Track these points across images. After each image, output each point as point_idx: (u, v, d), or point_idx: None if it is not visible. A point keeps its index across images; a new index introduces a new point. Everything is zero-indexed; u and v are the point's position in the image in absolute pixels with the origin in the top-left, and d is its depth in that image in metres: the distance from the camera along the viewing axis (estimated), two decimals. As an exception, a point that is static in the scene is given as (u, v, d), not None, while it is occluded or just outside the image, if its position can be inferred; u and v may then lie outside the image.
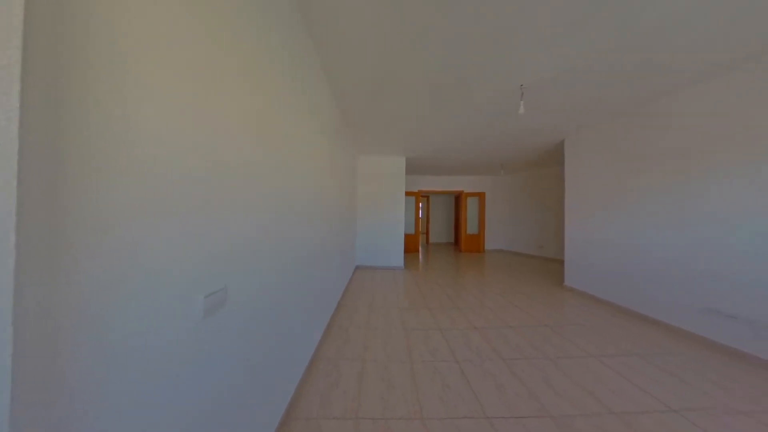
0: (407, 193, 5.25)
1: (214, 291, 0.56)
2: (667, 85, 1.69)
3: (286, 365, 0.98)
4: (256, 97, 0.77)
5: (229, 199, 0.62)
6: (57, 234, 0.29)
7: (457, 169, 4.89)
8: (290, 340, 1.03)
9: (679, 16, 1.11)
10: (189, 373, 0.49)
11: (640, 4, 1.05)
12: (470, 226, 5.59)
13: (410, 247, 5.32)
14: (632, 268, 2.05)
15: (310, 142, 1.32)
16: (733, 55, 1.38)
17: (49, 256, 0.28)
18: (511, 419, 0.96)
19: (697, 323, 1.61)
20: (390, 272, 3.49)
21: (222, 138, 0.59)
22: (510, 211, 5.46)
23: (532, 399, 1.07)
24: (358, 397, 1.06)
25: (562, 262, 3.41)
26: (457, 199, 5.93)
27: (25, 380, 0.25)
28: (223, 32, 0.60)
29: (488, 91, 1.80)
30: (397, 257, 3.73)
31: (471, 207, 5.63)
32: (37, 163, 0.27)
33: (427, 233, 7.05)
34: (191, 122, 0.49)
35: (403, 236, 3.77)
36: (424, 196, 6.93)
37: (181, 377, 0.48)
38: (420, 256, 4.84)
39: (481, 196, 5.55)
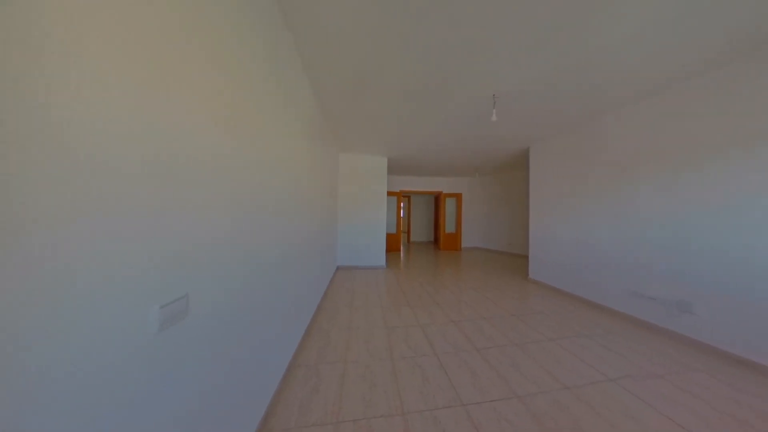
0: (389, 193, 5.30)
1: (173, 300, 0.50)
2: (606, 105, 2.00)
3: (259, 377, 0.92)
4: (227, 86, 0.70)
5: (193, 196, 0.56)
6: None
7: (437, 171, 5.10)
8: (264, 349, 0.97)
9: (615, 46, 1.32)
10: (141, 398, 0.44)
11: (586, 33, 1.22)
12: (448, 226, 5.87)
13: (392, 246, 5.39)
14: (580, 261, 2.37)
15: (287, 137, 1.25)
16: (654, 83, 1.68)
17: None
18: (484, 404, 1.04)
19: (628, 305, 1.93)
20: (372, 272, 3.49)
21: (183, 128, 0.53)
22: (484, 211, 5.87)
23: (502, 383, 1.17)
24: (339, 401, 1.05)
25: (527, 258, 3.78)
26: (437, 199, 6.19)
27: None
28: (183, 8, 0.54)
29: (464, 98, 1.91)
30: (379, 256, 3.75)
31: (449, 207, 5.91)
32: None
33: (408, 232, 7.21)
34: (141, 109, 0.43)
35: (385, 236, 3.80)
36: (406, 196, 7.09)
37: (134, 403, 0.42)
38: (401, 255, 4.93)
39: (458, 196, 5.87)
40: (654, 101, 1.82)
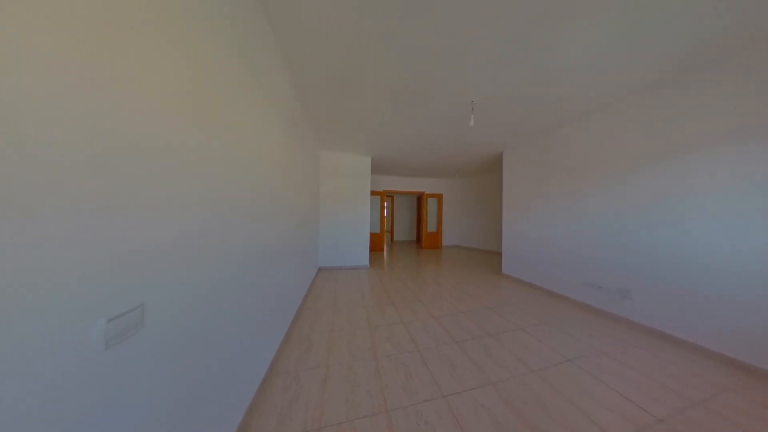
0: (373, 193, 5.29)
1: (124, 311, 0.44)
2: (565, 117, 2.25)
3: (231, 390, 0.85)
4: (192, 71, 0.64)
5: (150, 192, 0.50)
6: None
7: (419, 171, 5.23)
8: (237, 360, 0.90)
9: (570, 66, 1.49)
10: (83, 429, 0.37)
11: (547, 52, 1.35)
12: (430, 225, 6.06)
13: (375, 245, 5.39)
14: (544, 257, 2.63)
15: (264, 132, 1.18)
16: (600, 101, 1.94)
17: None
18: (463, 393, 1.09)
19: (582, 294, 2.20)
20: (355, 272, 3.45)
21: (135, 114, 0.47)
22: (463, 211, 6.19)
23: (478, 371, 1.24)
24: (321, 406, 1.02)
25: (501, 254, 4.07)
26: (419, 199, 6.35)
27: None
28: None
29: (444, 102, 1.99)
30: (363, 256, 3.72)
31: (431, 207, 6.11)
32: None
33: (392, 232, 7.27)
34: (71, 87, 0.37)
35: (368, 235, 3.78)
36: (389, 196, 7.14)
37: None
38: (385, 255, 4.96)
39: (439, 197, 6.09)
40: (600, 116, 2.09)
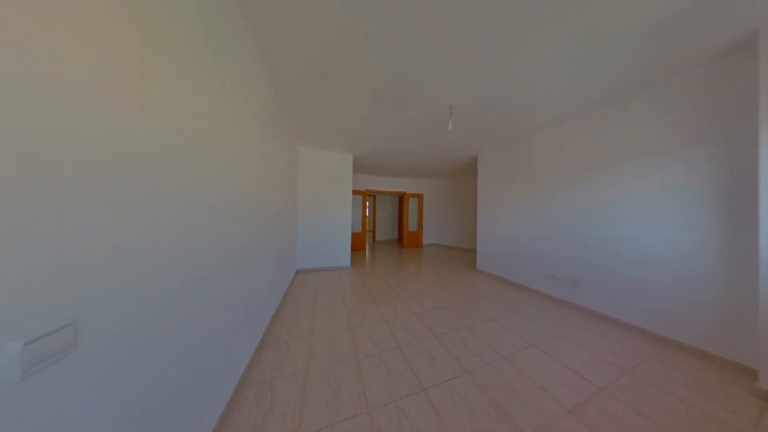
0: (355, 192, 5.23)
1: (50, 331, 0.37)
2: (531, 126, 2.50)
3: (193, 411, 0.78)
4: (146, 50, 0.56)
5: (82, 186, 0.43)
6: None
7: (401, 172, 5.32)
8: (200, 376, 0.82)
9: (533, 81, 1.66)
10: None
11: (515, 66, 1.49)
12: (411, 224, 6.22)
13: (357, 245, 5.34)
14: (513, 253, 2.90)
15: (234, 123, 1.09)
16: (558, 114, 2.20)
17: None
18: (442, 384, 1.15)
19: (543, 285, 2.48)
20: (336, 272, 3.38)
21: (59, 91, 0.40)
22: (442, 210, 6.46)
23: (455, 362, 1.32)
24: (299, 414, 0.98)
25: (476, 251, 4.35)
26: (401, 199, 6.46)
27: None
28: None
29: (424, 105, 2.06)
30: (344, 257, 3.66)
31: (412, 207, 6.27)
32: None
33: (373, 231, 7.28)
34: None
35: (350, 235, 3.73)
36: (371, 195, 7.13)
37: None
38: (367, 254, 4.95)
39: (419, 197, 6.28)
40: (557, 128, 2.37)
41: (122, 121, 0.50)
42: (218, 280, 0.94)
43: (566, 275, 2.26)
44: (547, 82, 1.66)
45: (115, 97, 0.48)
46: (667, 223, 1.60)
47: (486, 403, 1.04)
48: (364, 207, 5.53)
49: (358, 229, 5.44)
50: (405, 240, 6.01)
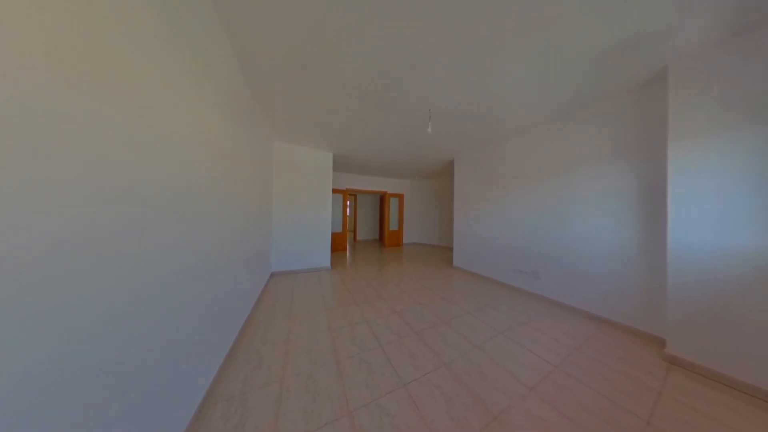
0: (335, 191, 5.10)
1: None
2: (502, 133, 2.72)
3: None
4: (84, 20, 0.47)
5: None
6: None
7: (382, 171, 5.34)
8: (154, 398, 0.73)
9: (504, 91, 1.81)
10: None
11: (489, 77, 1.61)
12: (392, 224, 6.30)
13: (338, 245, 5.23)
14: (485, 250, 3.15)
15: (196, 112, 0.97)
16: (525, 124, 2.43)
17: None
18: (421, 378, 1.20)
19: (511, 278, 2.74)
20: (315, 274, 3.27)
21: None
22: (421, 210, 6.68)
23: (433, 355, 1.39)
24: (275, 425, 0.93)
25: (452, 249, 4.60)
26: (382, 198, 6.49)
27: None
28: None
29: (405, 107, 2.10)
30: (324, 257, 3.55)
31: (393, 206, 6.35)
32: None
33: (354, 231, 7.19)
34: None
35: (330, 235, 3.63)
36: (352, 195, 7.02)
37: None
38: (348, 254, 4.87)
39: (400, 197, 6.39)
40: (524, 137, 2.63)
41: (52, 103, 0.41)
42: (178, 287, 0.84)
43: (528, 268, 2.53)
44: (515, 94, 1.83)
45: (42, 74, 0.39)
46: (605, 223, 1.89)
47: (461, 391, 1.12)
48: (345, 206, 5.42)
49: (339, 229, 5.32)
50: (386, 239, 6.07)
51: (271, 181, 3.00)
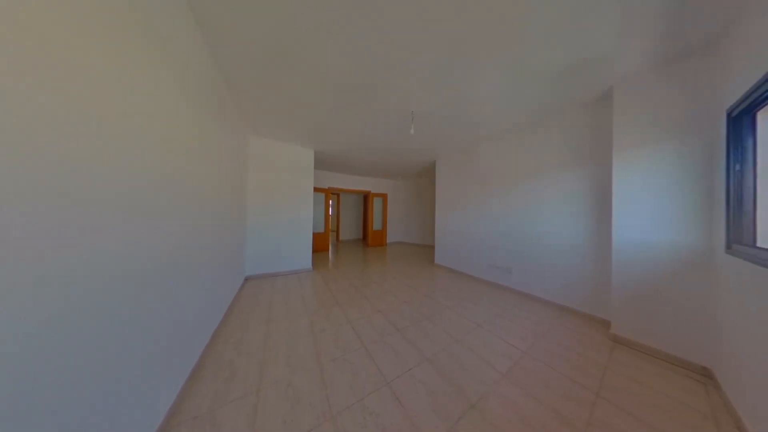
0: (317, 189, 4.93)
1: None
2: (479, 137, 2.90)
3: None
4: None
5: None
6: None
7: (365, 171, 5.31)
8: (91, 428, 0.63)
9: (480, 98, 1.93)
10: None
11: (466, 84, 1.70)
12: (376, 223, 6.30)
13: (320, 245, 5.07)
14: (464, 247, 3.32)
15: (154, 94, 0.87)
16: (499, 129, 2.62)
17: None
18: (404, 375, 1.22)
19: (488, 273, 2.93)
20: (295, 276, 3.13)
21: None
22: (404, 209, 6.80)
23: (416, 351, 1.42)
24: (252, 437, 0.87)
25: (434, 247, 4.76)
26: (365, 198, 6.46)
27: None
28: None
29: (388, 106, 2.11)
30: (304, 259, 3.42)
31: (377, 206, 6.35)
32: None
33: (337, 231, 7.03)
34: None
35: (311, 236, 3.50)
36: (335, 194, 6.86)
37: None
38: (330, 255, 4.75)
39: (384, 196, 6.42)
40: (498, 142, 2.84)
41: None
42: (127, 296, 0.74)
43: (502, 263, 2.73)
44: (488, 101, 1.96)
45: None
46: (566, 222, 2.13)
47: (443, 383, 1.17)
48: (327, 206, 5.27)
49: (321, 229, 5.16)
50: (369, 239, 6.05)
51: (245, 177, 2.79)
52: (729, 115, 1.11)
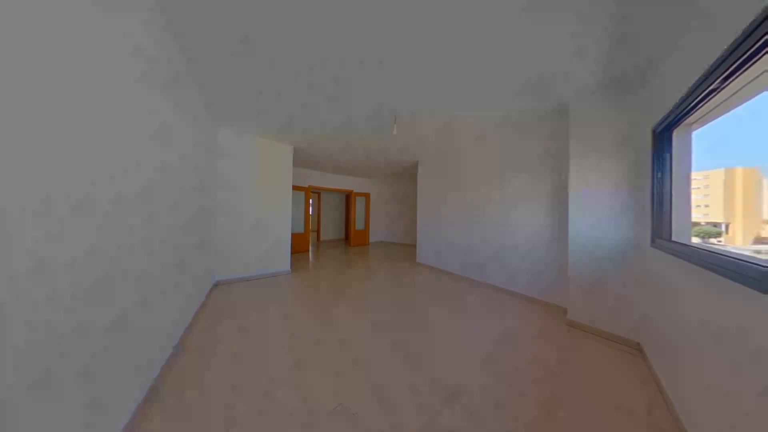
0: (296, 188, 4.70)
1: None
2: (459, 142, 3.05)
3: None
4: None
5: None
6: None
7: (348, 170, 5.22)
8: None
9: (461, 102, 2.04)
10: None
11: (448, 85, 1.78)
12: (358, 223, 6.24)
13: (300, 246, 4.85)
14: (443, 246, 3.47)
15: (99, 75, 0.75)
16: (476, 133, 2.80)
17: None
18: (389, 374, 1.24)
19: (465, 270, 3.10)
20: (272, 279, 2.95)
21: None
22: (387, 209, 6.85)
23: (400, 351, 1.45)
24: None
25: (416, 246, 4.88)
26: (348, 198, 6.36)
27: None
28: None
29: (371, 104, 2.11)
30: (282, 260, 3.24)
31: (359, 205, 6.29)
32: None
33: (318, 231, 6.81)
34: None
35: (289, 236, 3.33)
36: (315, 192, 6.63)
37: None
38: (310, 256, 4.58)
39: (366, 196, 6.39)
40: (475, 145, 3.02)
41: None
42: (64, 310, 0.62)
43: (477, 260, 2.92)
44: (466, 106, 2.07)
45: None
46: (535, 220, 2.36)
47: (423, 378, 1.20)
48: (307, 205, 5.07)
49: (301, 229, 4.94)
50: (352, 239, 5.97)
51: (213, 172, 2.54)
52: (654, 132, 1.34)
